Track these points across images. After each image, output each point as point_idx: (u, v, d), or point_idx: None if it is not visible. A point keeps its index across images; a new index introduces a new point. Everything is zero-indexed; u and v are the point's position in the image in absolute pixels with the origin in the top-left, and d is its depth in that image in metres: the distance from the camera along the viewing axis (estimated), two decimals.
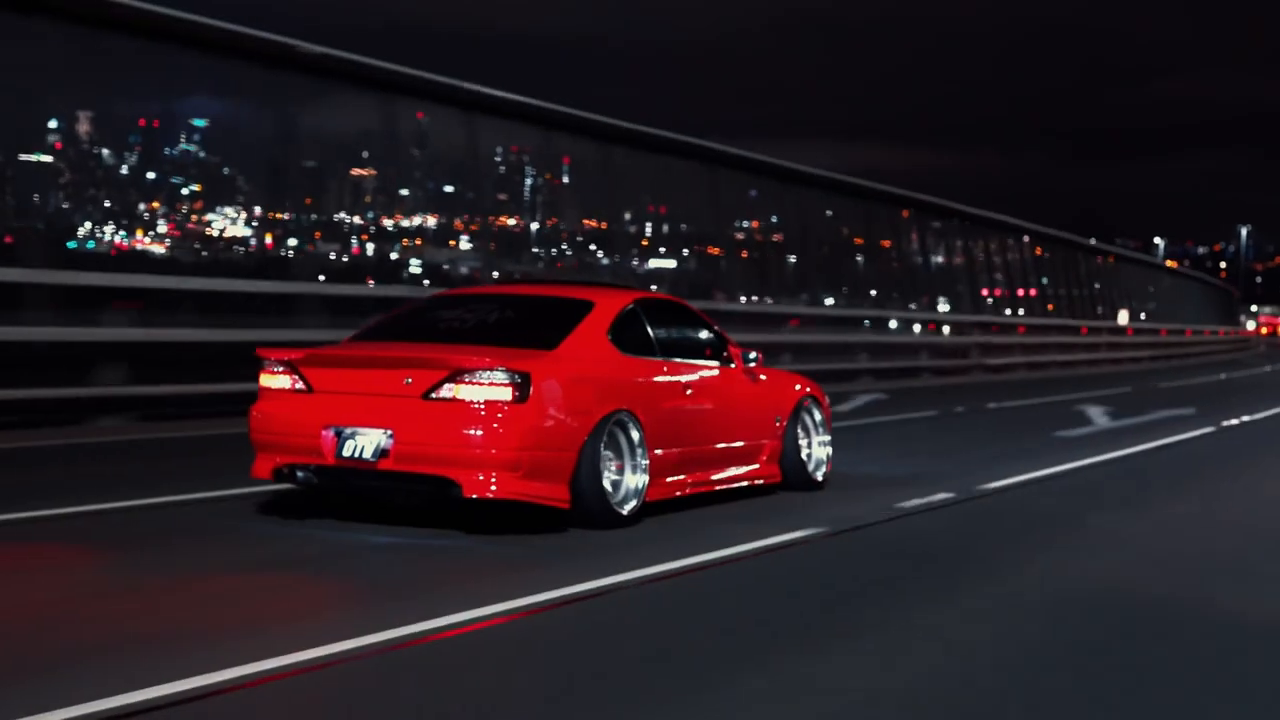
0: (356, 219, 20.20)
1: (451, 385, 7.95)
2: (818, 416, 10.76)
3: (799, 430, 10.53)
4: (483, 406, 7.90)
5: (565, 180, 24.35)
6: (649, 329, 9.33)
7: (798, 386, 10.76)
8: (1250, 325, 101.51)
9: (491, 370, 7.93)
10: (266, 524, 8.36)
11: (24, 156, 15.90)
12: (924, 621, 6.31)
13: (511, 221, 23.11)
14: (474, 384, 7.92)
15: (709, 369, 9.82)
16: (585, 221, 24.88)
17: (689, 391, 9.41)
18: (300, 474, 8.31)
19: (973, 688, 5.22)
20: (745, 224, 29.91)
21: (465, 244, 21.66)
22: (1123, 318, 51.82)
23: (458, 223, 21.61)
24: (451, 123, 20.62)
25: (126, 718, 4.48)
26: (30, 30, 14.80)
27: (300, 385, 8.33)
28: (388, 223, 20.79)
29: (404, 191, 20.92)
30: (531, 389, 7.98)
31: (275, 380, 8.43)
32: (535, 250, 23.34)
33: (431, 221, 21.25)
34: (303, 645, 5.33)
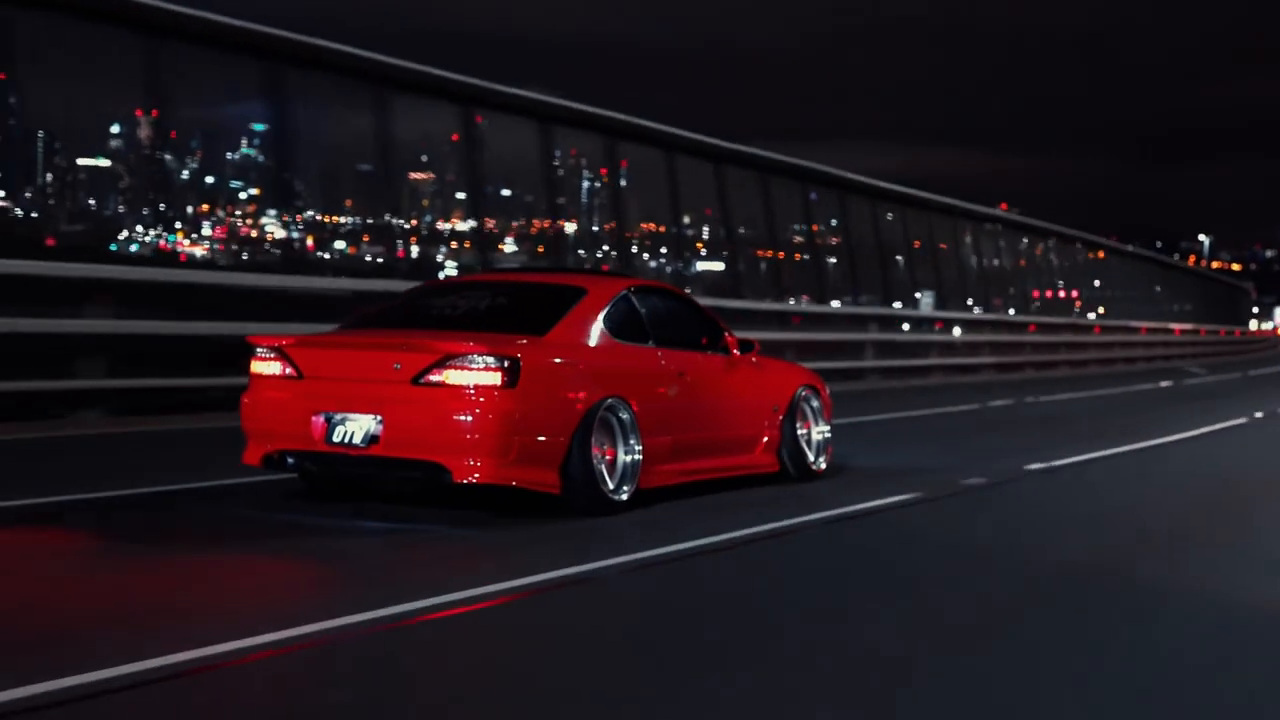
0: (404, 221, 20.27)
1: (441, 371, 7.90)
2: (816, 405, 10.69)
3: (798, 420, 10.46)
4: (472, 391, 7.86)
5: (623, 183, 24.56)
6: (643, 317, 9.28)
7: (796, 376, 10.70)
8: (1254, 325, 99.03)
9: (481, 355, 7.89)
10: (254, 511, 8.33)
11: (82, 161, 15.99)
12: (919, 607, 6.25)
13: (571, 226, 23.34)
14: (463, 369, 7.88)
15: (704, 358, 9.76)
16: (645, 226, 25.12)
17: (684, 379, 9.35)
18: (291, 460, 8.29)
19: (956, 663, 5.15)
20: (801, 227, 29.90)
21: (511, 246, 21.85)
22: (925, 302, 34.95)
23: (513, 226, 21.80)
24: (509, 127, 20.94)
25: (102, 694, 4.46)
26: (95, 36, 15.04)
27: (290, 371, 8.30)
28: (443, 226, 20.95)
29: (460, 195, 21.07)
30: (521, 374, 7.93)
31: (265, 367, 8.40)
32: (580, 251, 23.43)
33: (488, 225, 21.41)
34: (277, 626, 5.30)
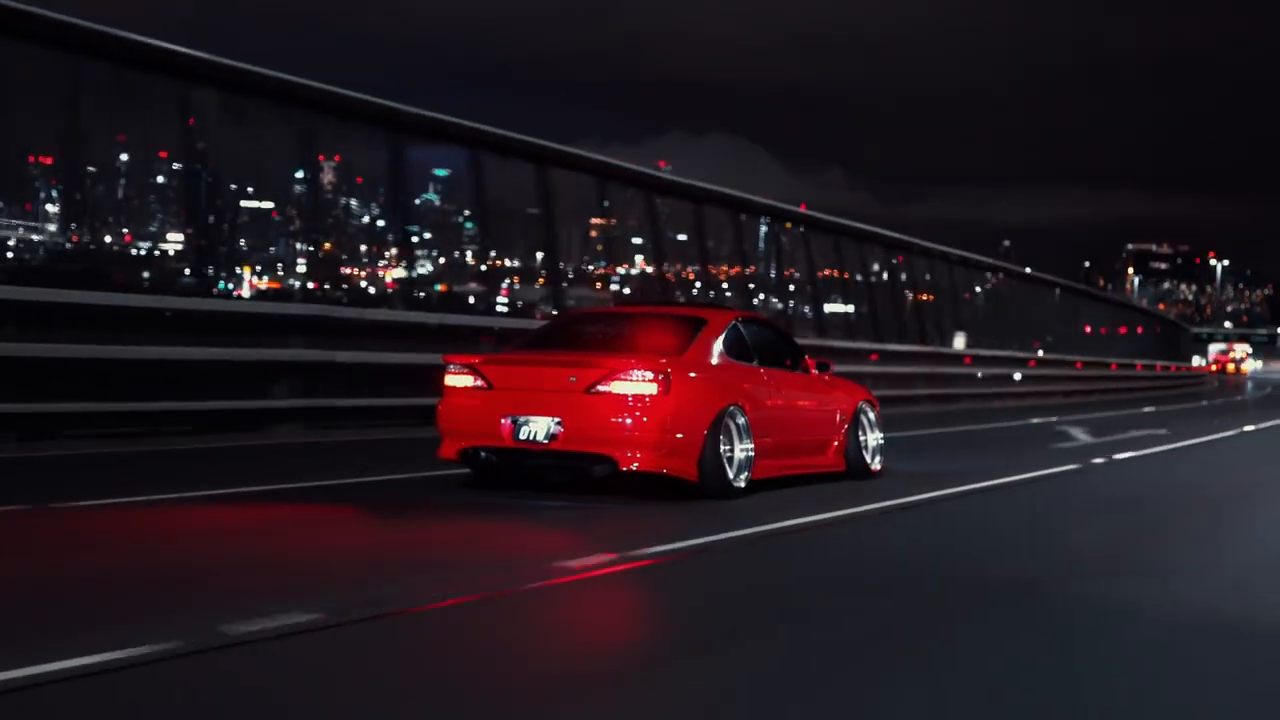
0: (566, 264, 22.42)
1: (609, 381, 10.05)
2: (872, 417, 12.88)
3: (858, 428, 12.64)
4: (634, 399, 10.01)
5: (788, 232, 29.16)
6: (748, 341, 11.45)
7: (857, 393, 12.88)
8: (1196, 361, 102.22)
9: (641, 370, 10.04)
10: (458, 493, 10.40)
11: (246, 203, 17.92)
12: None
13: (748, 272, 26.91)
14: (628, 380, 10.03)
15: (791, 375, 11.94)
16: (821, 273, 30.11)
17: (780, 392, 11.53)
18: (483, 454, 10.40)
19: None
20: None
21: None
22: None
23: (676, 273, 24.86)
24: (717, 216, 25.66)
25: (368, 621, 5.99)
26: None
27: (481, 383, 10.42)
28: (619, 270, 23.64)
29: (637, 240, 23.62)
30: (672, 385, 10.09)
31: (459, 380, 10.52)
32: (711, 292, 26.47)
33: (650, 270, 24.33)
34: (527, 567, 7.25)
